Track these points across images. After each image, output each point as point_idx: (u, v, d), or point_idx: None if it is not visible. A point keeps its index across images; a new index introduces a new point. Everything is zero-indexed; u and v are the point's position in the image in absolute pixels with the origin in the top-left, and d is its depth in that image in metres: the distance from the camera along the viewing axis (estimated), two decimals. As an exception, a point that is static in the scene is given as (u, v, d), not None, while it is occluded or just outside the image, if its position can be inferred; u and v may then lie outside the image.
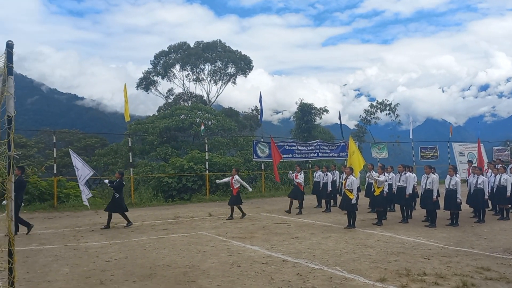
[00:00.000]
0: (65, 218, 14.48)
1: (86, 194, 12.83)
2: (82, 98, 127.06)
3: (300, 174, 15.14)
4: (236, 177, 13.94)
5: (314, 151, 21.59)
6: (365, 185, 16.20)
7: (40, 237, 10.87)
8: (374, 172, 13.19)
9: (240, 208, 13.99)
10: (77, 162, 12.88)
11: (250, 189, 15.38)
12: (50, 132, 26.91)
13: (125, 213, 12.56)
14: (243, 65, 48.64)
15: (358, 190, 12.38)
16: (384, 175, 12.98)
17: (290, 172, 16.11)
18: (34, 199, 17.28)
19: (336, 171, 16.59)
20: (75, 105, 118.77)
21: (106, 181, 13.44)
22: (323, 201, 16.38)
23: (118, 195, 12.37)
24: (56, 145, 19.41)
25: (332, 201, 16.19)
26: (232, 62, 48.35)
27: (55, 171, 17.94)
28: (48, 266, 7.83)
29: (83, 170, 12.72)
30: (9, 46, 4.67)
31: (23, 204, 14.02)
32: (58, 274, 7.30)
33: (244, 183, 14.49)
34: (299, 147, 21.39)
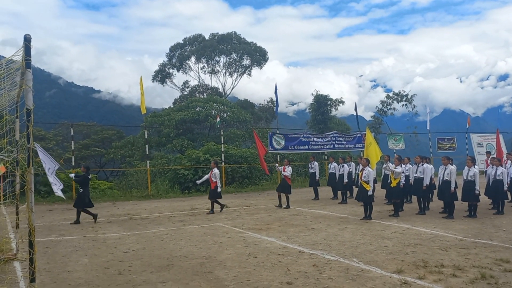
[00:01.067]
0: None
1: (57, 186, 12.86)
2: (99, 91, 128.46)
3: (288, 167, 14.56)
4: (215, 170, 13.48)
5: (330, 142, 21.48)
6: (382, 176, 16.09)
7: (59, 228, 11.08)
8: (390, 164, 13.08)
9: (217, 202, 13.57)
10: (43, 156, 12.98)
11: (219, 190, 13.83)
12: (68, 125, 27.20)
13: (89, 208, 12.00)
14: (258, 56, 48.44)
15: (374, 181, 12.28)
16: (401, 166, 12.85)
17: (277, 165, 15.61)
18: (53, 191, 17.56)
19: (352, 163, 16.50)
20: (92, 98, 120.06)
21: (72, 175, 13.21)
22: (339, 192, 16.34)
23: (82, 190, 11.92)
24: (74, 138, 19.66)
25: (348, 192, 16.13)
26: (247, 54, 48.19)
27: (73, 163, 18.21)
28: (67, 257, 7.98)
29: (49, 164, 12.82)
30: (27, 40, 4.73)
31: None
32: (78, 264, 7.43)
33: (218, 181, 13.61)
34: (315, 139, 21.30)
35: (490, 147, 22.18)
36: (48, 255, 8.09)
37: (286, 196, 14.52)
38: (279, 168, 15.02)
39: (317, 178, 16.95)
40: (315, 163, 17.06)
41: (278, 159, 22.30)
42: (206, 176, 14.13)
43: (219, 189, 13.65)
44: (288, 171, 14.49)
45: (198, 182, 14.98)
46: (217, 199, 13.64)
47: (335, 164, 16.67)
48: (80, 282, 6.43)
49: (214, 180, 13.43)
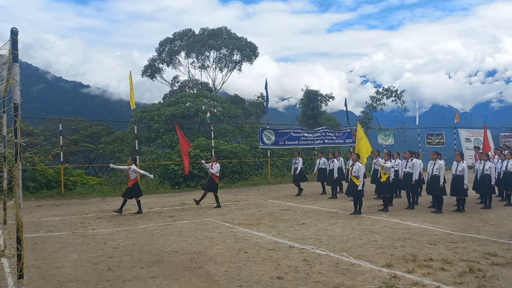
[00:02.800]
0: (72, 206, 14.59)
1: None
2: (88, 86, 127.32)
3: (216, 164, 13.77)
4: (133, 167, 12.70)
5: (320, 138, 21.55)
6: (372, 171, 16.17)
7: (48, 224, 10.98)
8: (380, 159, 13.16)
9: (138, 202, 12.71)
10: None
11: (151, 176, 13.92)
12: (56, 120, 26.99)
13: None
14: (249, 52, 48.31)
15: (364, 176, 12.36)
16: (391, 161, 12.94)
17: (203, 161, 14.71)
18: (42, 187, 17.43)
19: (341, 158, 16.58)
20: (81, 93, 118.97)
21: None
22: (328, 187, 16.41)
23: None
24: (62, 133, 19.47)
25: (338, 187, 16.20)
26: (237, 49, 48.03)
27: (61, 159, 18.05)
28: (56, 253, 7.92)
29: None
30: (14, 33, 4.66)
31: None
32: (66, 260, 7.38)
33: (143, 172, 13.52)
34: (305, 134, 21.35)
35: (478, 142, 22.43)
36: (37, 251, 8.02)
37: (215, 195, 13.81)
38: (206, 165, 14.07)
39: (297, 173, 16.64)
40: (300, 158, 16.92)
41: (269, 155, 22.33)
42: (122, 167, 14.47)
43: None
44: (215, 168, 13.69)
45: (112, 166, 14.70)
46: (137, 198, 12.84)
47: (324, 159, 16.70)
48: (69, 278, 6.38)
49: (133, 176, 12.70)
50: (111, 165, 14.71)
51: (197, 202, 13.98)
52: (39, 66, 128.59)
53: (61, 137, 19.11)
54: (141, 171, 13.51)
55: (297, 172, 16.66)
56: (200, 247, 8.17)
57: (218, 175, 13.80)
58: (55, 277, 6.42)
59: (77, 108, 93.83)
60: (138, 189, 12.93)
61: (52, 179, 17.79)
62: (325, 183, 16.65)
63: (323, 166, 16.56)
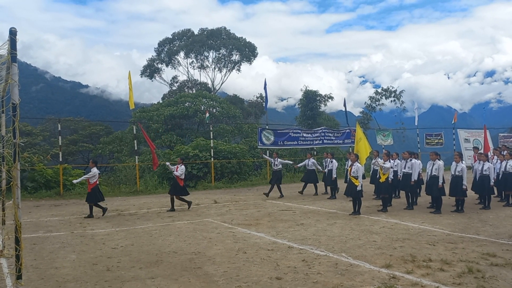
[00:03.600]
0: (71, 206, 14.58)
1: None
2: (87, 86, 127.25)
3: (181, 166, 13.28)
4: (94, 170, 12.14)
5: (319, 138, 21.54)
6: (371, 172, 16.17)
7: (46, 224, 10.96)
8: (379, 159, 13.16)
9: (98, 205, 12.22)
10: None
11: (76, 182, 13.27)
12: (55, 120, 26.92)
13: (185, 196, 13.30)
14: (248, 52, 48.34)
15: (362, 177, 12.34)
16: (390, 161, 12.94)
17: (168, 163, 13.96)
18: (40, 187, 17.42)
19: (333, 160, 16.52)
20: (80, 93, 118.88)
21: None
22: (322, 188, 16.47)
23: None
24: (61, 133, 19.45)
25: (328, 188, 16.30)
26: (236, 49, 48.06)
27: (60, 159, 18.04)
28: (55, 253, 7.90)
29: None
30: (13, 33, 4.64)
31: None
32: (65, 261, 7.37)
33: (85, 177, 12.44)
34: (304, 134, 21.34)
35: (477, 143, 22.43)
36: (35, 252, 8.00)
37: (179, 198, 13.28)
38: (171, 167, 13.45)
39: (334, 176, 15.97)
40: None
41: (268, 155, 22.32)
42: (82, 178, 13.13)
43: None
44: (180, 171, 13.14)
45: (75, 182, 13.60)
46: (97, 203, 12.34)
47: (313, 160, 16.73)
48: (68, 278, 6.37)
49: (93, 181, 12.07)
50: (74, 181, 13.71)
51: (171, 210, 13.05)
52: (38, 66, 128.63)
53: (60, 137, 19.08)
54: (85, 176, 12.50)
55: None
56: (199, 248, 8.16)
57: (182, 177, 13.22)
58: (54, 278, 6.41)
59: (76, 108, 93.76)
60: (96, 194, 12.15)
61: (51, 179, 17.77)
62: (307, 184, 16.64)
63: (312, 168, 16.56)
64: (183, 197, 13.37)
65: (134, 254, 7.75)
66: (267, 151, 21.54)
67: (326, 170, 16.24)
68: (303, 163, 17.23)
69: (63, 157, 19.12)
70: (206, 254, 7.64)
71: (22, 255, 4.98)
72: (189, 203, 13.43)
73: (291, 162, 18.60)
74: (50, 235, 9.57)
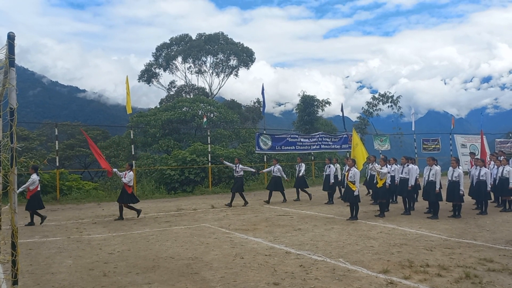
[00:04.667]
0: (67, 211, 14.53)
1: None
2: (84, 91, 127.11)
3: (129, 173, 12.73)
4: (34, 176, 11.78)
5: (316, 143, 21.59)
6: (368, 177, 16.18)
7: (43, 230, 10.91)
8: (376, 164, 13.17)
9: (36, 213, 11.77)
10: None
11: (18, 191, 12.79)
12: (52, 124, 26.89)
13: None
14: (245, 57, 48.42)
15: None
16: (387, 167, 12.96)
17: (116, 170, 13.09)
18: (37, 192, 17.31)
19: (303, 164, 16.69)
20: (77, 98, 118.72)
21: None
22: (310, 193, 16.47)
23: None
24: (58, 138, 19.40)
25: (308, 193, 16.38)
26: (234, 54, 48.14)
27: (57, 164, 17.98)
28: (51, 258, 7.86)
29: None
30: (11, 37, 4.65)
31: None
32: (62, 266, 7.33)
33: (25, 186, 11.84)
34: (302, 139, 21.39)
35: (473, 148, 22.55)
36: (31, 257, 7.96)
37: (127, 206, 12.64)
38: (120, 174, 12.83)
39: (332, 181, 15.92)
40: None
41: (265, 160, 22.31)
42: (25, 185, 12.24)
43: None
44: (127, 177, 12.55)
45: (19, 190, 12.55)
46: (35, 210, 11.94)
47: (279, 166, 16.12)
48: (64, 284, 6.34)
49: (32, 187, 11.82)
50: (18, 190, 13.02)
51: (120, 218, 12.48)
52: (35, 71, 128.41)
53: (57, 142, 19.03)
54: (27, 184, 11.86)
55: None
56: (196, 253, 8.14)
57: (130, 185, 12.65)
58: (50, 283, 6.37)
59: (73, 113, 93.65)
60: (35, 202, 11.76)
61: (48, 184, 17.71)
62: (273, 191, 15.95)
63: (278, 174, 15.94)
64: (131, 205, 12.65)
65: (131, 260, 7.72)
66: (264, 156, 21.54)
67: (298, 174, 16.45)
68: (269, 169, 16.64)
69: (60, 162, 19.06)
70: (203, 260, 7.61)
71: (18, 260, 4.96)
72: (138, 212, 12.65)
73: (253, 170, 17.28)
74: (46, 240, 9.53)
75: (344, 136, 22.47)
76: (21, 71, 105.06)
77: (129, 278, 6.60)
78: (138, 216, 12.62)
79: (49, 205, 15.74)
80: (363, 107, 36.59)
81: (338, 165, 16.26)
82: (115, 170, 13.04)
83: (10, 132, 4.65)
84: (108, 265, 7.36)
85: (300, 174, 16.58)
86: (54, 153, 20.26)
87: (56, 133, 19.36)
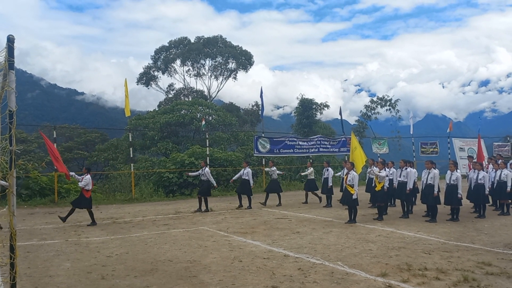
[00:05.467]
0: (65, 213, 14.47)
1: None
2: (82, 93, 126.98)
3: (86, 176, 12.00)
4: (87, 177, 11.95)
5: (315, 146, 21.59)
6: (366, 180, 16.20)
7: (41, 232, 10.89)
8: (375, 168, 13.19)
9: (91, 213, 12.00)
10: None
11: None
12: (50, 127, 26.86)
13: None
14: (244, 60, 48.51)
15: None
16: (385, 170, 12.97)
17: (73, 173, 12.32)
18: (35, 194, 17.33)
19: (274, 167, 16.56)
20: (76, 100, 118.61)
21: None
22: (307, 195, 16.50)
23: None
24: (56, 140, 19.38)
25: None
26: (233, 57, 48.23)
27: (55, 167, 17.92)
28: (49, 261, 7.85)
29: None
30: (10, 40, 4.65)
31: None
32: (60, 269, 7.31)
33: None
34: (300, 142, 21.39)
35: (471, 152, 22.59)
36: (29, 260, 7.94)
37: (89, 211, 12.08)
38: (77, 177, 12.17)
39: (330, 185, 15.87)
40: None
41: (264, 163, 22.31)
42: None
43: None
44: (84, 181, 11.92)
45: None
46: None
47: (249, 169, 15.52)
48: (62, 287, 6.32)
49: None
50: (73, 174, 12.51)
51: (63, 219, 11.98)
52: (33, 73, 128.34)
53: (55, 145, 18.99)
54: None
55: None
56: (194, 256, 8.13)
57: (88, 189, 11.99)
58: (48, 286, 6.36)
59: (71, 115, 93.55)
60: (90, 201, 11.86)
61: (46, 186, 17.68)
62: (242, 195, 15.51)
63: (246, 177, 15.27)
64: (88, 210, 12.05)
65: (129, 263, 7.70)
66: (263, 159, 21.55)
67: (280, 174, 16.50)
68: (239, 174, 15.81)
69: (58, 165, 18.97)
70: (202, 263, 7.61)
71: (17, 263, 4.95)
72: (93, 220, 12.01)
73: (215, 185, 15.28)
74: (44, 243, 9.51)
75: (343, 139, 22.49)
76: (20, 73, 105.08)
77: (127, 281, 6.59)
78: (89, 224, 11.86)
79: (47, 208, 15.74)
80: (361, 111, 36.73)
81: (248, 169, 15.58)
82: (72, 173, 12.34)
83: (9, 135, 4.65)
84: (106, 268, 7.34)
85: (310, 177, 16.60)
86: (52, 156, 20.23)
87: (55, 136, 19.32)
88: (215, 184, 15.12)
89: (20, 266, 6.81)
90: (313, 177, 16.83)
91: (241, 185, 15.62)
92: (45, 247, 9.12)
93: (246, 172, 15.33)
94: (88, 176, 12.10)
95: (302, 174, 17.69)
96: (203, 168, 14.87)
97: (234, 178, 16.38)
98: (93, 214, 12.18)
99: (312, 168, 16.86)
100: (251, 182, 15.50)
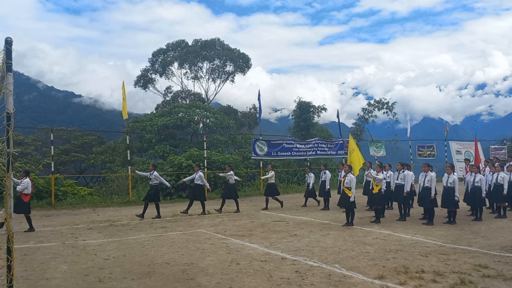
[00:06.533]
0: (62, 216, 14.46)
1: None
2: (80, 96, 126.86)
3: (25, 180, 11.42)
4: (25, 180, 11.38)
5: (312, 149, 21.62)
6: (363, 183, 16.22)
7: (38, 235, 10.85)
8: (372, 170, 13.21)
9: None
10: None
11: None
12: (47, 129, 26.76)
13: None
14: (242, 63, 48.55)
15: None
16: (382, 173, 13.00)
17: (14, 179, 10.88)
18: (32, 197, 17.21)
19: (272, 171, 16.34)
20: (73, 103, 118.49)
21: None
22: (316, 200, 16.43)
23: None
24: (53, 143, 19.34)
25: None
26: (230, 60, 48.26)
27: (52, 169, 17.91)
28: (46, 264, 7.82)
29: None
30: (8, 43, 4.65)
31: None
32: (56, 271, 7.29)
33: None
34: (298, 145, 21.42)
35: (468, 155, 22.63)
36: (26, 262, 7.92)
37: (26, 217, 11.43)
38: (16, 180, 11.28)
39: (310, 188, 16.23)
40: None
41: (261, 166, 22.32)
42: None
43: None
44: (22, 184, 11.31)
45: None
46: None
47: (201, 173, 14.78)
48: (59, 289, 6.30)
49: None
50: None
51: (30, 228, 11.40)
52: (31, 75, 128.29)
53: (52, 147, 18.95)
54: None
55: (310, 187, 16.23)
56: (191, 259, 8.12)
57: (26, 193, 11.41)
58: (45, 289, 6.34)
59: (68, 118, 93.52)
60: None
61: (43, 189, 17.64)
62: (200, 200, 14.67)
63: (199, 182, 14.45)
64: (25, 215, 11.38)
65: (126, 265, 7.69)
66: (261, 161, 21.57)
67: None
68: (190, 177, 15.02)
69: (55, 167, 18.98)
70: (199, 265, 7.60)
71: (14, 266, 4.93)
72: (31, 227, 11.42)
73: (169, 185, 15.37)
74: (41, 246, 9.48)
75: (340, 142, 22.52)
76: (16, 75, 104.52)
77: (125, 284, 6.58)
78: (26, 231, 11.23)
79: (44, 211, 15.69)
80: (358, 114, 36.76)
81: (200, 173, 14.83)
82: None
83: (7, 137, 4.64)
84: (103, 270, 7.33)
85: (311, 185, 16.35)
86: (49, 158, 20.18)
87: (52, 138, 19.28)
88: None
89: (17, 268, 6.79)
90: (273, 181, 16.20)
91: (193, 190, 14.72)
92: (42, 249, 9.09)
93: (198, 176, 14.48)
94: (27, 180, 11.46)
95: (263, 178, 17.13)
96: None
97: (184, 180, 15.47)
98: (31, 220, 11.53)
99: (273, 172, 16.22)
100: (207, 185, 14.83)
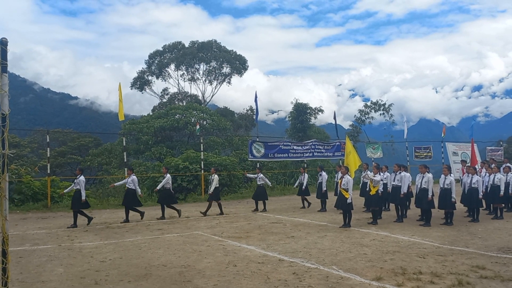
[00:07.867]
0: (58, 218, 14.39)
1: None
2: (76, 98, 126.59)
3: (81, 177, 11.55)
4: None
5: (309, 150, 21.60)
6: (360, 184, 16.22)
7: (33, 237, 10.79)
8: (369, 172, 13.21)
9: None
10: None
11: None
12: (43, 131, 26.73)
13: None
14: (238, 65, 48.54)
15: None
16: (379, 174, 13.00)
17: None
18: (28, 199, 17.19)
19: (261, 174, 16.29)
20: (69, 105, 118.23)
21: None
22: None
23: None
24: (49, 145, 19.28)
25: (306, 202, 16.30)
26: (227, 62, 48.24)
27: (48, 171, 17.84)
28: (42, 267, 7.77)
29: None
30: (3, 43, 4.63)
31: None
32: (52, 274, 7.24)
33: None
34: (294, 147, 21.39)
35: (465, 156, 22.66)
36: (22, 265, 7.86)
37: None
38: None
39: (324, 189, 15.83)
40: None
41: (258, 166, 22.29)
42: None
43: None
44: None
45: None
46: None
47: (169, 175, 14.55)
48: (55, 292, 6.26)
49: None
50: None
51: None
52: (27, 78, 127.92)
53: (48, 149, 18.90)
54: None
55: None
56: (188, 261, 8.09)
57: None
58: (41, 292, 6.29)
59: (65, 120, 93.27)
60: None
61: (39, 191, 17.54)
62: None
63: (131, 186, 13.48)
64: None
65: (123, 268, 7.65)
66: (258, 163, 21.54)
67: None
68: (123, 181, 14.06)
69: (51, 169, 18.92)
70: (196, 267, 7.57)
71: (9, 268, 4.89)
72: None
73: (140, 194, 14.27)
74: (37, 248, 9.42)
75: (337, 143, 22.52)
76: (12, 77, 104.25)
77: (121, 286, 6.54)
78: None
79: (40, 213, 15.61)
80: (355, 115, 36.82)
81: (169, 175, 14.57)
82: None
83: (2, 139, 4.61)
84: (99, 273, 7.28)
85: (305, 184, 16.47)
86: (46, 160, 20.13)
87: (48, 140, 19.23)
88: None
89: (13, 271, 6.74)
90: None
91: (125, 195, 13.76)
92: (37, 252, 9.03)
93: (131, 180, 13.52)
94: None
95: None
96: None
97: (116, 184, 14.96)
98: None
99: (216, 175, 14.94)
100: (138, 190, 13.83)
